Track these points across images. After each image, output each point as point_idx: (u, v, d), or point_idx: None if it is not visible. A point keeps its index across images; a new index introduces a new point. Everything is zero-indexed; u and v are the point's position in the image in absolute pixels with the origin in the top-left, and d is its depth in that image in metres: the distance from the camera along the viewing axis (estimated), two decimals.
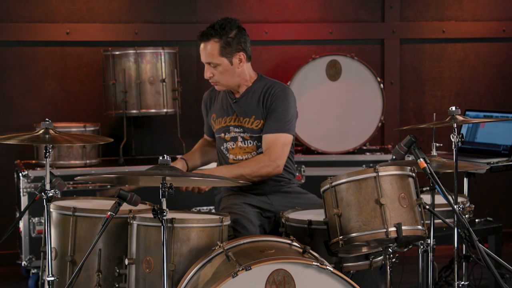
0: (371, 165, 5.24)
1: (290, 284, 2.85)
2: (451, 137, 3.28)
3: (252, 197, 3.79)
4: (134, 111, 5.20)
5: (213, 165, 4.06)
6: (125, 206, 3.08)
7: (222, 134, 3.86)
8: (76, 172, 4.93)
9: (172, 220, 3.15)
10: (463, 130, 4.97)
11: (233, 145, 3.83)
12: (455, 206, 3.20)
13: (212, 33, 3.73)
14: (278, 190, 3.84)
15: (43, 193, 3.10)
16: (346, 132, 5.45)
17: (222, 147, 3.88)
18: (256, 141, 3.81)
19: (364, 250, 3.32)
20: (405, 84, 6.05)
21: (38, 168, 4.97)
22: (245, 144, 3.82)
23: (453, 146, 3.29)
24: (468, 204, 3.85)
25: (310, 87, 5.40)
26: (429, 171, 3.16)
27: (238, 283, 2.80)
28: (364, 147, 5.60)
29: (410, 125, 5.76)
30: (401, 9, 5.98)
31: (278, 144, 3.73)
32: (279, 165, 3.71)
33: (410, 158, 3.49)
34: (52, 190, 3.10)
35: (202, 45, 3.78)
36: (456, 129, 3.28)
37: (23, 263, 4.94)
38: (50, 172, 3.12)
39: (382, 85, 5.43)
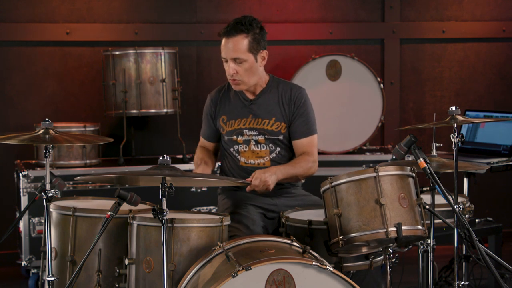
0: (371, 165, 5.24)
1: (290, 284, 2.85)
2: (451, 137, 3.28)
3: (256, 198, 3.78)
4: (134, 111, 5.20)
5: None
6: (125, 206, 3.08)
7: (234, 137, 3.81)
8: (76, 172, 4.93)
9: (172, 220, 3.15)
10: (463, 130, 4.97)
11: (246, 148, 3.80)
12: (455, 206, 3.20)
13: (241, 28, 3.68)
14: (283, 193, 3.84)
15: (43, 193, 3.10)
16: (346, 132, 5.45)
17: (231, 149, 3.84)
18: (270, 145, 3.79)
19: (364, 250, 3.32)
20: (405, 84, 6.05)
21: (38, 168, 4.97)
22: (258, 148, 3.80)
23: (453, 146, 3.29)
24: (468, 204, 3.85)
25: (310, 87, 5.38)
26: (429, 171, 3.16)
27: (238, 283, 2.80)
28: (364, 147, 5.59)
29: (410, 125, 5.76)
30: (401, 9, 5.98)
31: (313, 145, 3.83)
32: (317, 165, 3.82)
33: (410, 158, 3.49)
34: (52, 190, 3.10)
35: (226, 40, 3.70)
36: (456, 129, 3.28)
37: (23, 263, 4.93)
38: (50, 172, 3.12)
39: (382, 85, 5.43)
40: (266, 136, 3.79)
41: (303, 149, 3.79)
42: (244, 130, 3.80)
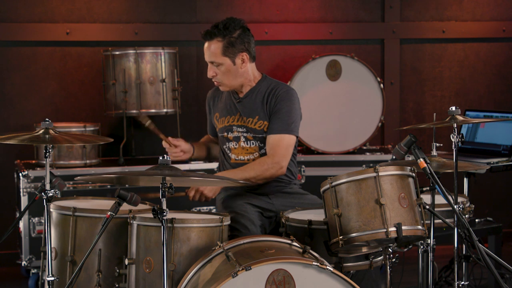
0: (371, 165, 5.24)
1: (290, 284, 2.85)
2: (451, 137, 3.28)
3: (253, 197, 3.80)
4: (134, 111, 5.20)
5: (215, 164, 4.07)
6: (125, 206, 3.08)
7: (225, 133, 3.86)
8: (76, 172, 4.93)
9: (172, 220, 3.15)
10: (463, 130, 4.97)
11: (236, 145, 3.84)
12: (455, 206, 3.20)
13: (215, 32, 3.74)
14: (279, 191, 3.84)
15: (43, 193, 3.10)
16: (346, 132, 5.45)
17: (224, 146, 3.89)
18: (258, 142, 3.81)
19: (364, 250, 3.32)
20: (405, 84, 6.05)
21: (38, 168, 4.97)
22: (247, 144, 3.82)
23: (453, 146, 3.29)
24: (468, 204, 3.85)
25: (310, 87, 5.40)
26: (429, 171, 3.16)
27: (238, 283, 2.80)
28: (364, 147, 5.60)
29: (410, 125, 5.76)
30: (401, 9, 5.98)
31: (282, 145, 3.74)
32: (282, 166, 3.73)
33: (410, 158, 3.49)
34: (52, 190, 3.10)
35: (206, 44, 3.78)
36: (456, 129, 3.28)
37: (23, 263, 4.93)
38: (50, 172, 3.12)
39: (382, 85, 5.43)
40: (252, 134, 3.81)
41: (269, 147, 3.76)
42: (233, 127, 3.84)
